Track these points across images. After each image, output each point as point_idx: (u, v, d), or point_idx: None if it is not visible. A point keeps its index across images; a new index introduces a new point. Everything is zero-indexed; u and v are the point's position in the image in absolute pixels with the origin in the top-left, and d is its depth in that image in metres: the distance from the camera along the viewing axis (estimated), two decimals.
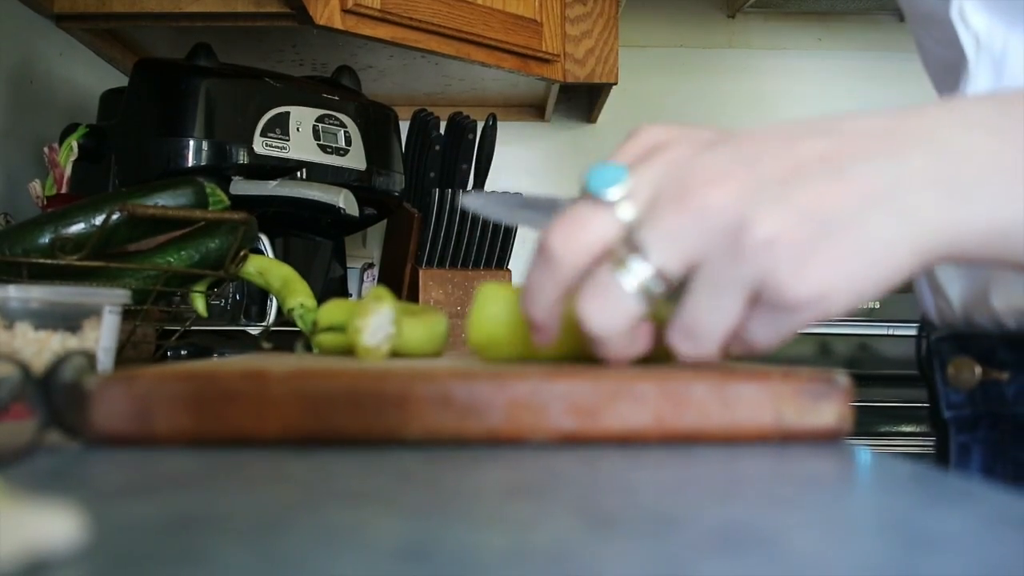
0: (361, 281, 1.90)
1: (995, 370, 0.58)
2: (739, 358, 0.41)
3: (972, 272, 0.58)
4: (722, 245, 0.36)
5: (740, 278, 0.36)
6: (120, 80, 1.51)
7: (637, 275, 0.37)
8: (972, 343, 0.59)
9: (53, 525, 0.20)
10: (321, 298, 0.93)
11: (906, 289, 0.68)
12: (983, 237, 0.38)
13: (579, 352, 0.44)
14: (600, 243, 0.37)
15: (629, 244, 0.37)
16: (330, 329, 0.60)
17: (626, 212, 0.37)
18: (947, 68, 0.59)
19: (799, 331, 0.39)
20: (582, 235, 0.38)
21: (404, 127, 1.60)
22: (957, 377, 0.60)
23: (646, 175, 0.38)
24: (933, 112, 0.39)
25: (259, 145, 1.30)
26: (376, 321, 0.54)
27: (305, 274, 1.03)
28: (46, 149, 1.30)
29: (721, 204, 0.36)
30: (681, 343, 0.38)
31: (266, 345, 1.09)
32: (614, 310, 0.37)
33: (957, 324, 0.61)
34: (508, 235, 1.58)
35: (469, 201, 0.48)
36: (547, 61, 1.66)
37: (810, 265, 0.36)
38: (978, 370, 0.58)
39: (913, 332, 0.68)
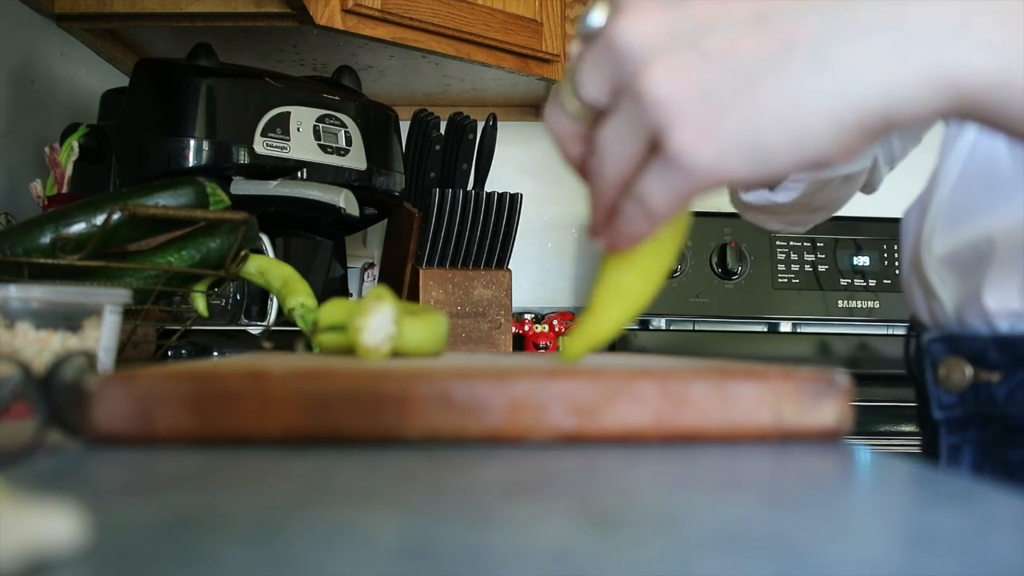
0: (361, 281, 1.90)
1: (986, 371, 0.58)
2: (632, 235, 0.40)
3: (965, 273, 0.58)
4: (627, 87, 0.36)
5: (638, 123, 0.36)
6: (121, 80, 1.51)
7: (571, 99, 0.39)
8: (963, 344, 0.59)
9: (53, 525, 0.20)
10: (321, 298, 0.93)
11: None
12: (940, 94, 0.33)
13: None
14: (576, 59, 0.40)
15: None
16: (331, 329, 0.60)
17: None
18: None
19: (698, 195, 0.36)
20: (572, 55, 0.41)
21: (404, 127, 1.60)
22: (948, 378, 0.60)
23: (611, 11, 0.38)
24: None
25: (260, 145, 1.30)
26: (377, 321, 0.54)
27: (305, 274, 1.03)
28: (47, 149, 1.30)
29: (629, 43, 0.35)
30: (590, 164, 0.39)
31: (267, 345, 1.09)
32: (556, 121, 0.40)
33: (948, 325, 0.61)
34: (508, 235, 1.58)
35: None
36: (547, 61, 1.66)
37: (708, 121, 0.34)
38: (969, 371, 0.58)
39: None
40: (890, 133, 0.35)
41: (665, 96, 0.34)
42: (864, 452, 0.37)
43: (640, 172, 0.37)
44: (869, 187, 0.83)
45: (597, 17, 0.39)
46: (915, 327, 0.67)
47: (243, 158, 1.29)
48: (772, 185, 0.75)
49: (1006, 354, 0.57)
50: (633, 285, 0.45)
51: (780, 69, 0.33)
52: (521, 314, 1.89)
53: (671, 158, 0.35)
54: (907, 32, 0.33)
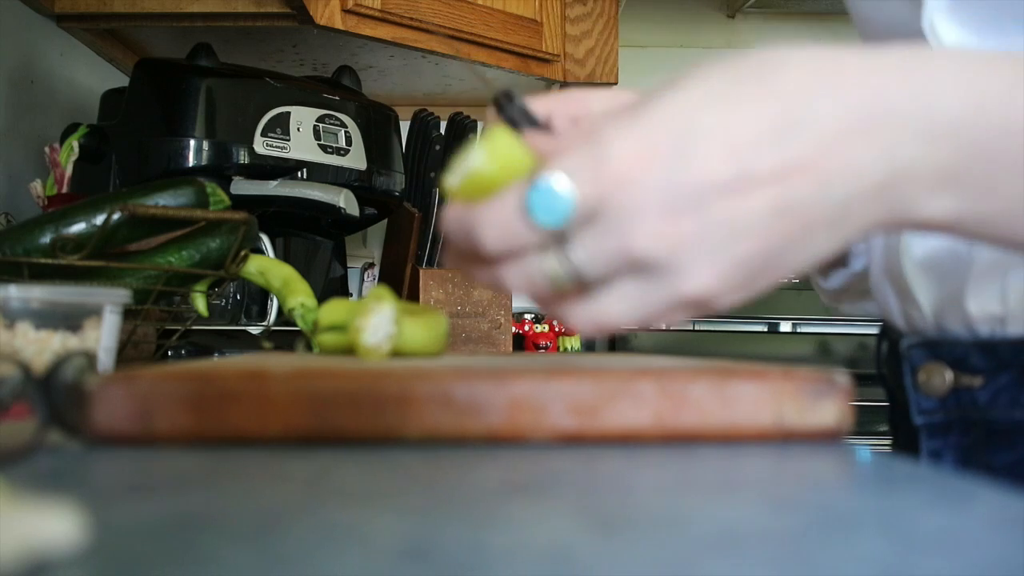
0: (361, 281, 1.90)
1: (967, 376, 0.57)
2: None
3: (945, 278, 0.58)
4: (653, 280, 0.37)
5: (661, 303, 0.37)
6: (121, 80, 1.51)
7: (555, 271, 0.36)
8: (944, 349, 0.59)
9: (53, 525, 0.20)
10: (321, 298, 0.93)
11: None
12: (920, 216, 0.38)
13: None
14: (529, 243, 0.36)
15: (557, 249, 0.36)
16: (331, 329, 0.60)
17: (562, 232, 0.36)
18: None
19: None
20: (513, 239, 0.36)
21: (404, 127, 1.60)
22: (928, 383, 0.59)
23: (587, 187, 0.35)
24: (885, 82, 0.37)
25: (260, 145, 1.30)
26: (377, 321, 0.54)
27: (305, 274, 1.03)
28: (47, 149, 1.30)
29: (658, 254, 0.36)
30: (581, 322, 0.38)
31: (267, 345, 1.09)
32: (529, 286, 0.38)
33: (926, 330, 0.60)
34: None
35: None
36: (547, 61, 1.66)
37: (732, 295, 0.38)
38: (949, 376, 0.58)
39: None
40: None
41: (707, 289, 0.37)
42: (864, 452, 0.37)
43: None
44: None
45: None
46: (888, 332, 0.66)
47: (243, 158, 1.29)
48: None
49: (989, 358, 0.56)
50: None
51: (803, 246, 0.38)
52: (521, 314, 1.89)
53: (687, 303, 0.38)
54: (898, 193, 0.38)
